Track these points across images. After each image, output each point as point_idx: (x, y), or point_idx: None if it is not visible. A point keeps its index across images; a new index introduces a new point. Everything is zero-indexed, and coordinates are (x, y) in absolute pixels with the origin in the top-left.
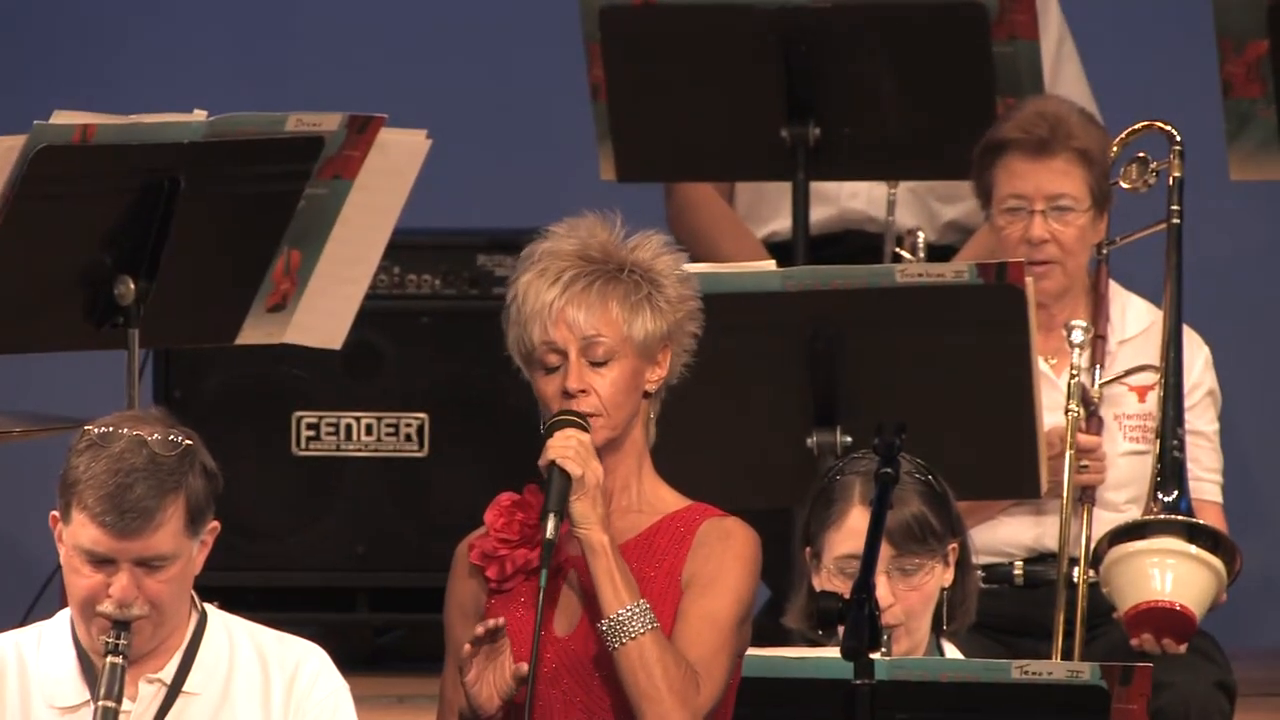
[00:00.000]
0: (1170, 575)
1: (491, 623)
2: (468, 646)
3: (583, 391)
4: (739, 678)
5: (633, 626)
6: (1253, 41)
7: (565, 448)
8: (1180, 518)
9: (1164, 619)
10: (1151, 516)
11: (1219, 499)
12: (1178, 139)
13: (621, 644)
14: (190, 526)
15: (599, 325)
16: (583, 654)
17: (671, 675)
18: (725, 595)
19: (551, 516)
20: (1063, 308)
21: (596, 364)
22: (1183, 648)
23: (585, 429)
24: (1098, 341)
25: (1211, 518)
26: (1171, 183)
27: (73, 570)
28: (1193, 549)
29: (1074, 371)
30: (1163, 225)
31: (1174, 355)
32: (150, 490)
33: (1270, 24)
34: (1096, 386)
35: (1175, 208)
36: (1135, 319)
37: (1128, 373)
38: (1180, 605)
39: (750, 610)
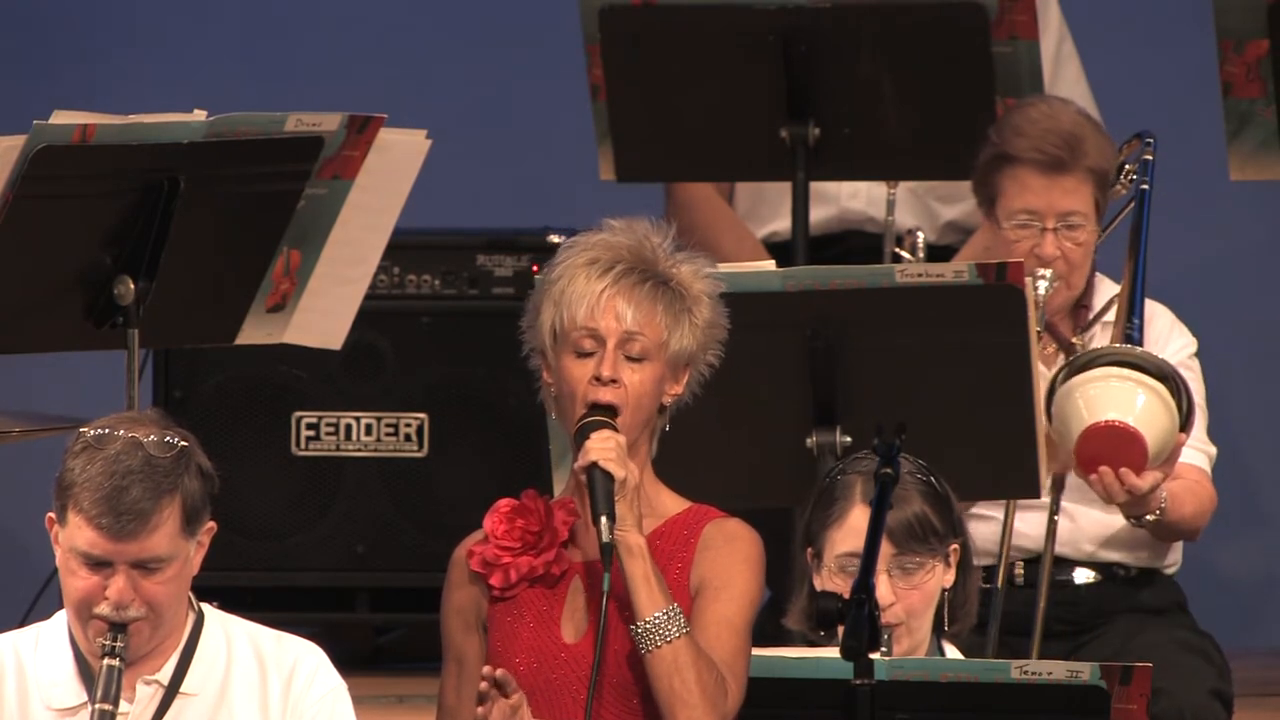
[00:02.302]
0: (1110, 397)
1: (487, 669)
2: (480, 709)
3: (613, 381)
4: None
5: (668, 630)
6: (1253, 41)
7: (606, 449)
8: (1127, 349)
9: (1112, 441)
10: (1095, 350)
11: (1203, 465)
12: (1150, 137)
13: (656, 647)
14: (186, 528)
15: (644, 323)
16: (592, 661)
17: (704, 680)
18: (738, 599)
19: (604, 519)
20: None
21: (631, 359)
22: (1145, 481)
23: (617, 430)
24: (1080, 311)
25: (1194, 477)
26: (1141, 165)
27: (69, 572)
28: (1130, 373)
29: (1039, 305)
30: (1132, 203)
31: (1134, 285)
32: (146, 492)
33: (1270, 24)
34: (1079, 335)
35: (1145, 178)
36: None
37: (1106, 307)
38: (1127, 424)
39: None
